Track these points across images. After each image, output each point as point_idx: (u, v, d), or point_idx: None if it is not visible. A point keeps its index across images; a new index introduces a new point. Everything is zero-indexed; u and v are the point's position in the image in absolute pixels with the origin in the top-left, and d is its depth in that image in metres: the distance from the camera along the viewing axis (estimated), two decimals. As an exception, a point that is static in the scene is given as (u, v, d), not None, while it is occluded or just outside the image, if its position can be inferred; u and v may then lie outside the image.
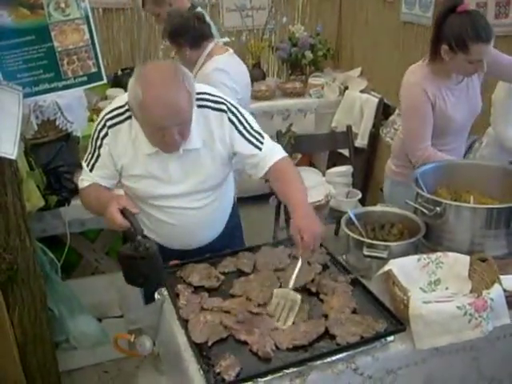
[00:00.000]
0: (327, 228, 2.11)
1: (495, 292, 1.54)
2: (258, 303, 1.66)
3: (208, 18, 2.94)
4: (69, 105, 2.60)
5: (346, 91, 4.54)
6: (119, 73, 4.52)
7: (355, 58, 4.87)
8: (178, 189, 1.89)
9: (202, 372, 1.41)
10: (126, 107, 1.77)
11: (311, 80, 4.73)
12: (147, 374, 2.04)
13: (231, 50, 2.92)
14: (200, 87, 1.85)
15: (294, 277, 1.66)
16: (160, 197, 1.89)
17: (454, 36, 2.14)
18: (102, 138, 1.83)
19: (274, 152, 1.92)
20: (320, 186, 3.49)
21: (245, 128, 1.89)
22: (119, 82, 4.38)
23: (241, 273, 1.84)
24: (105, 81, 2.05)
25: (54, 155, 2.65)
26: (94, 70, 1.97)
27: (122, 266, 1.71)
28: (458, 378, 1.69)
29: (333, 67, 5.11)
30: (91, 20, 1.92)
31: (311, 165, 4.70)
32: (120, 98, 1.85)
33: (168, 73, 1.68)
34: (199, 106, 1.81)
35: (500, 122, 2.69)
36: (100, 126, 1.83)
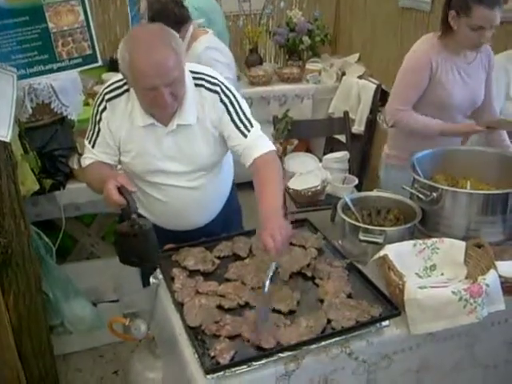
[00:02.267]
0: (323, 214, 2.11)
1: (491, 278, 1.54)
2: (251, 287, 1.65)
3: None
4: (64, 88, 2.58)
5: (344, 77, 4.52)
6: (115, 57, 4.49)
7: (353, 44, 4.85)
8: (172, 166, 1.89)
9: (196, 355, 1.41)
10: (125, 80, 1.78)
11: (308, 65, 4.70)
12: (142, 358, 2.03)
13: (211, 31, 2.97)
14: (196, 67, 1.87)
15: (267, 282, 1.53)
16: (155, 173, 1.89)
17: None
18: (101, 112, 1.85)
19: (258, 144, 1.87)
20: (317, 171, 3.49)
21: (236, 112, 1.87)
22: (115, 66, 4.33)
23: (236, 257, 1.84)
24: (100, 63, 2.03)
25: (49, 139, 2.63)
26: (89, 51, 1.96)
27: (116, 243, 1.73)
28: (452, 363, 1.69)
29: (330, 53, 5.09)
30: (86, 1, 1.90)
31: (308, 151, 4.70)
32: (119, 74, 1.85)
33: (154, 33, 1.70)
34: (196, 85, 1.83)
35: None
36: (99, 101, 1.86)
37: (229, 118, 1.86)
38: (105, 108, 1.84)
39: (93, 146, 1.89)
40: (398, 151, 2.53)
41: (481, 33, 2.16)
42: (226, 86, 1.87)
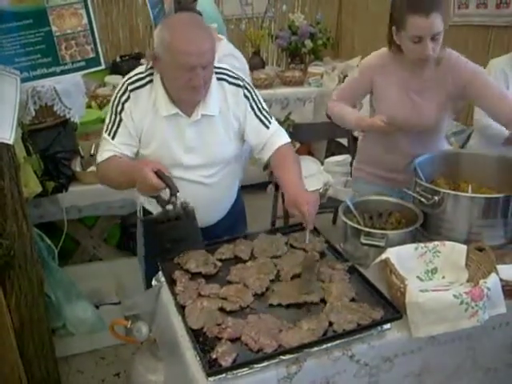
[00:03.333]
0: (325, 217, 2.12)
1: (492, 281, 1.54)
2: (255, 292, 1.65)
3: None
4: (67, 91, 2.59)
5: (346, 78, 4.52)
6: (118, 60, 4.50)
7: (355, 47, 4.86)
8: (191, 158, 1.93)
9: (198, 358, 1.41)
10: (147, 72, 1.86)
11: (310, 69, 4.72)
12: (144, 360, 2.03)
13: (224, 37, 3.03)
14: (218, 64, 1.94)
15: (307, 238, 1.80)
16: (173, 167, 1.87)
17: (395, 11, 2.10)
18: (124, 103, 1.86)
19: (279, 135, 2.03)
20: (318, 175, 3.51)
21: (257, 106, 1.99)
22: (118, 69, 4.37)
23: (238, 260, 1.84)
24: (103, 66, 2.04)
25: (52, 141, 2.64)
26: (92, 55, 1.96)
27: (145, 235, 1.73)
28: (453, 367, 1.69)
29: (332, 56, 5.10)
30: (89, 4, 1.91)
31: (310, 154, 4.71)
32: (139, 67, 1.92)
33: (193, 18, 1.83)
34: (218, 79, 1.92)
35: (478, 111, 2.69)
36: (121, 92, 1.87)
37: (252, 111, 1.98)
38: (128, 98, 1.86)
39: (113, 138, 1.87)
40: (363, 165, 2.54)
41: (423, 44, 2.01)
42: (246, 81, 1.99)
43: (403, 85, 2.22)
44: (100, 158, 1.90)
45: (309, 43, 4.70)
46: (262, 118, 2.00)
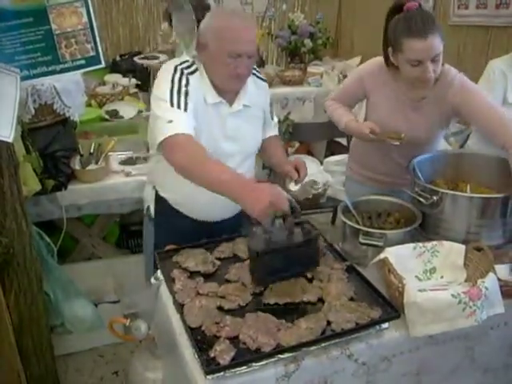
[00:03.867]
0: (324, 216, 2.13)
1: (490, 281, 1.54)
2: (253, 291, 1.66)
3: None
4: (66, 89, 2.59)
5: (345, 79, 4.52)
6: (118, 58, 4.50)
7: (355, 47, 4.86)
8: (229, 146, 1.97)
9: (196, 356, 1.41)
10: (191, 61, 1.91)
11: (310, 68, 4.72)
12: (142, 359, 2.04)
13: None
14: None
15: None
16: (212, 154, 1.83)
17: (390, 34, 2.04)
18: (186, 78, 1.86)
19: (276, 127, 2.29)
20: (317, 174, 3.50)
21: (271, 101, 2.20)
22: (118, 67, 4.37)
23: (237, 258, 1.84)
24: (103, 64, 2.03)
25: (51, 139, 2.64)
26: (92, 53, 1.95)
27: (264, 262, 1.59)
28: (451, 366, 1.70)
29: (332, 56, 5.11)
30: (89, 3, 1.91)
31: (309, 153, 4.71)
32: (174, 59, 1.94)
33: (240, 9, 1.99)
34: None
35: None
36: (178, 74, 1.86)
37: (270, 105, 2.20)
38: (187, 78, 1.86)
39: (185, 108, 1.80)
40: (354, 165, 2.55)
41: (422, 67, 1.96)
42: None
43: (397, 98, 2.19)
44: (170, 131, 1.73)
45: (308, 43, 4.70)
46: (272, 111, 2.22)
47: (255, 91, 2.05)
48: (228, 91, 1.92)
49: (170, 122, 1.75)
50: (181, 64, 1.90)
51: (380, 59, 2.21)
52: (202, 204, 2.01)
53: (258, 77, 2.10)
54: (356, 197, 2.09)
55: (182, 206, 2.09)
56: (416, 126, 2.17)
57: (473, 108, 2.07)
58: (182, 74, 1.86)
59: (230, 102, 1.95)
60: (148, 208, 2.19)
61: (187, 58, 1.92)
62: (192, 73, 1.89)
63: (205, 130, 1.88)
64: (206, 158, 1.71)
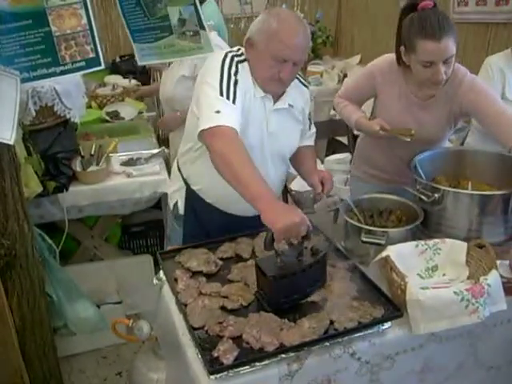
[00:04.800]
0: (326, 215, 2.13)
1: (492, 278, 1.54)
2: (256, 290, 1.66)
3: None
4: (67, 91, 2.59)
5: (346, 79, 4.53)
6: (117, 60, 4.51)
7: (355, 46, 4.86)
8: (271, 143, 1.96)
9: (199, 356, 1.41)
10: (241, 51, 1.91)
11: (310, 67, 4.72)
12: (146, 359, 2.04)
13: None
14: None
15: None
16: (253, 148, 1.87)
17: (404, 33, 2.01)
18: (237, 65, 1.85)
19: (312, 138, 2.25)
20: (318, 173, 3.50)
21: (310, 110, 2.17)
22: (117, 69, 4.38)
23: (239, 258, 1.84)
24: (103, 66, 2.03)
25: (52, 141, 2.64)
26: (92, 55, 1.95)
27: (278, 287, 1.55)
28: (455, 364, 1.70)
29: (332, 55, 5.11)
30: (89, 4, 1.90)
31: (310, 152, 4.70)
32: (221, 52, 1.94)
33: (298, 18, 1.90)
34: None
35: None
36: (228, 60, 1.85)
37: (309, 113, 2.16)
38: (237, 66, 1.85)
39: (234, 101, 1.76)
40: (360, 164, 2.54)
41: (434, 68, 1.95)
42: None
43: (407, 97, 2.18)
44: (217, 121, 1.70)
45: (308, 42, 4.70)
46: (311, 120, 2.20)
47: (298, 95, 2.03)
48: (267, 92, 1.90)
49: (218, 112, 1.72)
50: (230, 52, 1.89)
51: (391, 56, 2.20)
52: (236, 197, 1.99)
53: (300, 81, 2.08)
54: (360, 195, 2.09)
55: (214, 198, 2.06)
56: (424, 125, 2.17)
57: (482, 109, 2.07)
58: (231, 60, 1.85)
59: (275, 99, 1.94)
60: (175, 205, 2.17)
61: (235, 48, 1.92)
62: (242, 61, 1.88)
63: (250, 121, 1.87)
64: (246, 155, 1.68)
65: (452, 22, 1.97)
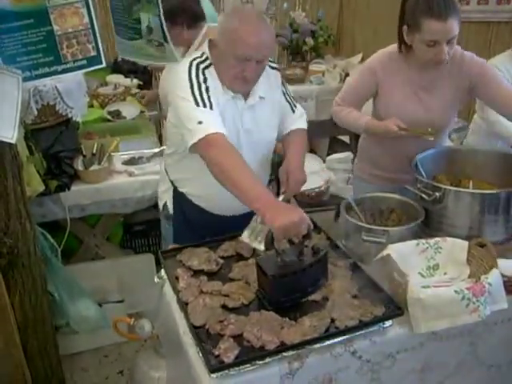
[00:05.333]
0: (327, 214, 2.13)
1: (493, 277, 1.54)
2: (256, 288, 1.66)
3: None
4: (68, 90, 2.60)
5: (347, 78, 4.52)
6: (119, 59, 4.50)
7: (356, 45, 4.86)
8: (246, 139, 1.95)
9: (201, 354, 1.41)
10: (205, 56, 1.89)
11: (312, 66, 4.72)
12: (147, 358, 2.05)
13: None
14: None
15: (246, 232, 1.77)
16: None
17: (409, 13, 2.03)
18: (203, 70, 1.85)
19: (300, 120, 2.15)
20: (320, 172, 3.51)
21: (286, 90, 2.11)
22: (119, 68, 4.37)
23: (240, 257, 1.85)
24: (104, 64, 2.03)
25: (54, 140, 2.65)
26: (93, 53, 1.95)
27: (278, 286, 1.56)
28: (456, 363, 1.70)
29: (334, 54, 5.10)
30: (90, 3, 1.91)
31: (312, 151, 4.69)
32: (185, 61, 1.92)
33: (260, 13, 1.90)
34: None
35: (484, 108, 2.68)
36: (194, 69, 1.85)
37: (285, 94, 2.09)
38: (203, 73, 1.85)
39: (211, 107, 1.78)
40: (364, 164, 2.52)
41: (437, 48, 1.98)
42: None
43: (410, 83, 2.19)
44: (201, 132, 1.73)
45: (310, 41, 4.70)
46: (290, 102, 2.12)
47: (267, 84, 2.01)
48: (236, 92, 1.90)
49: (200, 122, 1.74)
50: (195, 59, 1.89)
51: (386, 50, 2.24)
52: (223, 198, 1.99)
53: (270, 66, 2.03)
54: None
55: (201, 200, 2.09)
56: (431, 109, 2.19)
57: (486, 81, 2.12)
58: (197, 68, 1.85)
59: (245, 96, 1.93)
60: (165, 205, 2.19)
61: (199, 53, 1.91)
62: (207, 67, 1.88)
63: (226, 120, 1.87)
64: (240, 159, 1.72)
65: (457, 2, 2.00)
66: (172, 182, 2.15)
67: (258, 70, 1.84)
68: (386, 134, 2.16)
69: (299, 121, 2.15)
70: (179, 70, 1.88)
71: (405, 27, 2.07)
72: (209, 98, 1.80)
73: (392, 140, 2.21)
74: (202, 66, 1.87)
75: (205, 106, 1.78)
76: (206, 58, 1.89)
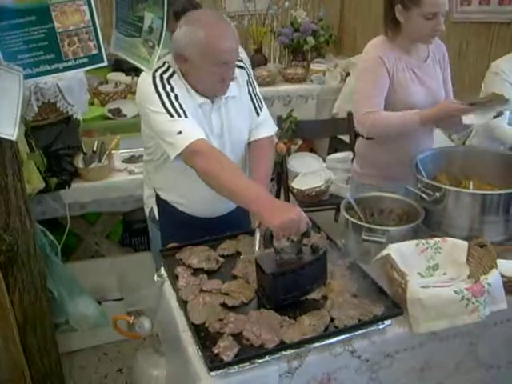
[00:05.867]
0: (327, 213, 2.13)
1: (493, 277, 1.54)
2: (255, 287, 1.66)
3: None
4: (69, 87, 2.60)
5: (348, 77, 4.53)
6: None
7: (357, 44, 4.86)
8: (219, 143, 1.93)
9: (200, 353, 1.42)
10: (167, 65, 1.87)
11: (313, 66, 4.72)
12: (146, 356, 2.05)
13: None
14: None
15: (256, 246, 1.69)
16: None
17: None
18: (168, 80, 1.84)
19: (266, 125, 2.09)
20: (320, 171, 3.51)
21: (253, 90, 2.06)
22: (120, 66, 4.36)
23: (240, 255, 1.85)
24: (105, 62, 2.03)
25: (55, 138, 2.65)
26: (94, 51, 1.95)
27: (277, 285, 1.55)
28: (455, 363, 1.70)
29: (335, 53, 5.10)
30: (92, 1, 1.91)
31: (312, 151, 4.71)
32: (147, 75, 1.89)
33: (219, 15, 1.88)
34: None
35: None
36: (159, 81, 1.83)
37: (251, 94, 2.05)
38: (169, 82, 1.83)
39: (186, 115, 1.78)
40: (369, 169, 2.46)
41: (435, 20, 2.09)
42: (245, 64, 2.05)
43: (409, 65, 2.25)
44: (185, 140, 1.73)
45: (311, 40, 4.69)
46: (255, 102, 2.06)
47: (235, 85, 1.99)
48: (209, 97, 1.90)
49: (180, 133, 1.74)
50: (157, 70, 1.87)
51: (375, 41, 2.29)
52: (204, 201, 2.01)
53: (236, 65, 1.98)
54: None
55: (184, 205, 2.09)
56: (431, 89, 2.28)
57: (447, 65, 2.37)
58: (161, 79, 1.84)
59: (212, 100, 1.92)
60: (151, 210, 2.20)
61: (160, 63, 1.89)
62: (171, 76, 1.86)
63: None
64: (228, 163, 1.74)
65: None
66: (154, 189, 2.14)
67: (233, 69, 1.87)
68: (455, 113, 2.13)
69: (264, 126, 2.09)
70: (144, 83, 1.87)
71: (398, 6, 2.13)
72: (180, 106, 1.80)
73: (393, 138, 2.22)
74: (165, 75, 1.85)
75: (179, 115, 1.78)
76: (169, 67, 1.88)
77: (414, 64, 2.26)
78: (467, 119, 2.11)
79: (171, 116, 1.77)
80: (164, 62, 1.89)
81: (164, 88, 1.82)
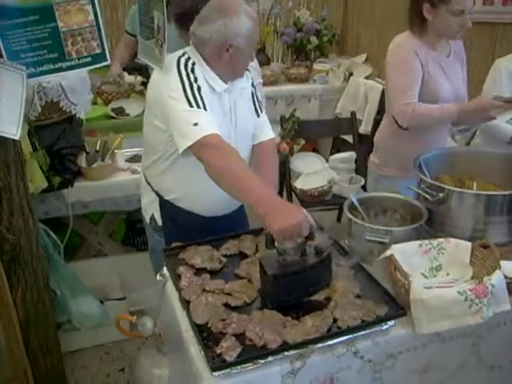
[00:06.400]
0: (330, 213, 2.13)
1: (496, 278, 1.54)
2: (258, 287, 1.66)
3: None
4: (73, 87, 2.60)
5: (351, 77, 4.53)
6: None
7: (361, 44, 4.85)
8: (237, 133, 1.97)
9: (202, 353, 1.41)
10: (187, 55, 1.89)
11: (316, 66, 4.72)
12: (149, 355, 2.04)
13: None
14: None
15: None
16: None
17: None
18: (193, 72, 1.84)
19: (266, 128, 2.13)
20: (323, 171, 3.50)
21: (255, 92, 2.11)
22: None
23: (243, 255, 1.84)
24: (109, 62, 2.03)
25: (58, 137, 2.65)
26: (98, 50, 1.95)
27: (280, 286, 1.55)
28: (457, 364, 1.69)
29: (338, 53, 5.09)
30: (96, 0, 1.91)
31: (315, 151, 4.71)
32: (171, 61, 1.88)
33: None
34: None
35: None
36: (183, 68, 1.84)
37: (253, 95, 2.10)
38: (193, 66, 1.85)
39: (205, 108, 1.77)
40: (387, 160, 2.52)
41: (462, 17, 2.20)
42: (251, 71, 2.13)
43: (436, 60, 2.33)
44: (199, 133, 1.71)
45: (314, 40, 4.69)
46: (257, 105, 2.10)
47: (245, 79, 2.07)
48: (235, 79, 1.96)
49: (196, 124, 1.72)
50: (180, 58, 1.87)
51: (402, 37, 2.36)
52: (209, 200, 2.00)
53: None
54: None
55: (191, 203, 2.05)
56: (455, 83, 2.37)
57: (465, 62, 2.46)
58: (186, 67, 1.84)
59: (229, 89, 1.95)
60: (152, 218, 2.15)
61: (180, 52, 1.90)
62: (194, 65, 1.86)
63: (217, 120, 1.85)
64: (240, 160, 1.72)
65: None
66: (157, 192, 2.10)
67: None
68: (490, 108, 2.21)
69: (266, 128, 2.14)
70: (168, 70, 1.85)
71: (426, 5, 2.22)
72: (201, 98, 1.78)
73: (419, 131, 2.32)
74: (189, 63, 1.86)
75: (199, 106, 1.76)
76: (189, 57, 1.88)
77: (441, 58, 2.35)
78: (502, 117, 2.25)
79: (191, 106, 1.75)
80: (184, 52, 1.91)
81: (188, 77, 1.81)
